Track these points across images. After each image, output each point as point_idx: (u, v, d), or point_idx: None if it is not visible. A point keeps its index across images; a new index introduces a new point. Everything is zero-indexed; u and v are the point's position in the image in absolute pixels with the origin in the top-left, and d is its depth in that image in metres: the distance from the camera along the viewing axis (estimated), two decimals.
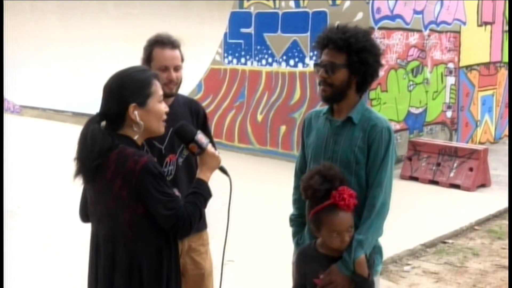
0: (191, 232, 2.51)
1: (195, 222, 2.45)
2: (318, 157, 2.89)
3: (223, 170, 2.70)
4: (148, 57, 3.22)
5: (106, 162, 2.37)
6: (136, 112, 2.41)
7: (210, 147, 2.63)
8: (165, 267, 2.47)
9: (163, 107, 2.51)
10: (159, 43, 3.23)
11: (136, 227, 2.40)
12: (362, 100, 2.89)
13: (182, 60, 3.29)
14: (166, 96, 3.22)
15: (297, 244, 3.04)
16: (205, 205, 2.54)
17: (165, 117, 2.53)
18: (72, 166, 2.48)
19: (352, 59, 2.76)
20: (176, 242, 2.57)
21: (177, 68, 3.24)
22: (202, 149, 2.60)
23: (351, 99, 2.85)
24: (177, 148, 3.25)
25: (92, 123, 2.44)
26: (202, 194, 2.51)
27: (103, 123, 2.45)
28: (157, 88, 2.49)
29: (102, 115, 2.46)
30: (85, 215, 2.67)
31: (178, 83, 3.26)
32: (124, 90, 2.42)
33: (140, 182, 2.34)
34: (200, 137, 2.61)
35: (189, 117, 3.34)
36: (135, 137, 2.47)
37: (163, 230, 2.45)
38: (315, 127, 2.97)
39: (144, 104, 2.43)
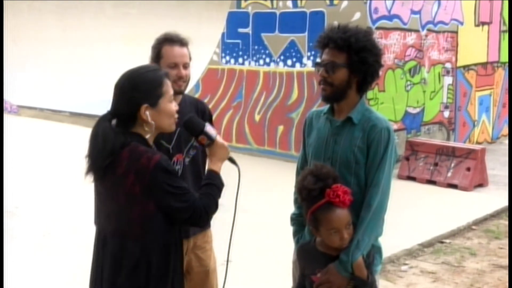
0: (208, 224, 2.57)
1: (211, 212, 2.50)
2: (318, 156, 2.90)
3: (231, 160, 2.74)
4: (157, 55, 3.26)
5: (117, 159, 2.38)
6: (147, 113, 2.43)
7: (219, 138, 2.67)
8: (172, 265, 2.49)
9: (174, 106, 2.53)
10: (168, 41, 3.28)
11: (145, 224, 2.41)
12: (362, 100, 2.90)
13: (190, 58, 3.34)
14: (175, 93, 3.27)
15: (298, 243, 3.04)
16: (219, 195, 2.57)
17: (176, 115, 2.55)
18: (83, 164, 2.48)
19: (352, 58, 2.76)
20: (182, 243, 2.59)
21: (185, 66, 3.29)
22: (211, 140, 2.64)
23: (351, 99, 2.85)
24: (184, 147, 3.29)
25: (103, 121, 2.45)
26: (216, 184, 2.56)
27: (114, 121, 2.47)
28: (168, 88, 2.51)
29: (113, 113, 2.47)
30: None
31: (186, 81, 3.31)
32: (135, 91, 2.43)
33: (153, 178, 2.36)
34: (209, 128, 2.65)
35: None
36: (147, 136, 2.50)
37: (172, 228, 2.47)
38: (316, 126, 2.97)
39: (155, 104, 2.45)
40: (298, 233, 3.06)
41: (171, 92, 2.53)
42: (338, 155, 2.83)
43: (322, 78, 2.83)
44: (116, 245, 2.44)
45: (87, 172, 2.47)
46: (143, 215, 2.40)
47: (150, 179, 2.36)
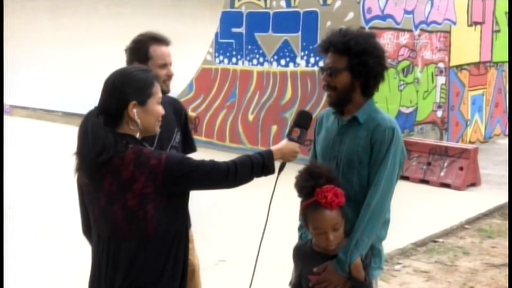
0: (248, 178, 2.61)
1: (242, 169, 2.55)
2: (325, 155, 2.92)
3: (282, 167, 2.77)
4: (145, 55, 3.19)
5: (120, 162, 2.36)
6: (135, 110, 2.42)
7: (299, 146, 2.73)
8: (180, 256, 2.49)
9: (160, 109, 2.53)
10: (156, 41, 3.23)
11: (158, 218, 2.38)
12: (370, 101, 2.88)
13: None
14: (163, 92, 3.26)
15: (300, 238, 3.05)
16: (259, 166, 2.61)
17: (160, 119, 2.55)
18: (72, 161, 2.45)
19: (352, 62, 2.78)
20: (187, 240, 2.56)
21: (171, 65, 3.27)
22: (299, 139, 2.73)
23: (357, 101, 2.85)
24: (166, 147, 3.27)
25: (91, 117, 2.43)
26: (264, 156, 2.61)
27: (100, 119, 2.45)
28: (158, 90, 2.52)
29: (100, 110, 2.45)
30: (89, 232, 2.61)
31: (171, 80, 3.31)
32: (126, 88, 2.43)
33: (171, 176, 2.36)
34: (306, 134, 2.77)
35: (173, 117, 3.38)
36: (137, 136, 2.49)
37: (181, 217, 2.47)
38: (325, 125, 2.99)
39: (144, 103, 2.45)
40: (303, 227, 3.07)
41: (160, 94, 2.53)
42: (342, 155, 2.84)
43: (325, 82, 2.86)
44: (117, 248, 2.40)
45: (77, 170, 2.44)
46: (156, 211, 2.38)
47: (165, 178, 2.35)
